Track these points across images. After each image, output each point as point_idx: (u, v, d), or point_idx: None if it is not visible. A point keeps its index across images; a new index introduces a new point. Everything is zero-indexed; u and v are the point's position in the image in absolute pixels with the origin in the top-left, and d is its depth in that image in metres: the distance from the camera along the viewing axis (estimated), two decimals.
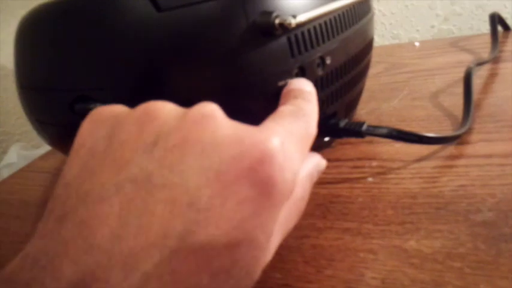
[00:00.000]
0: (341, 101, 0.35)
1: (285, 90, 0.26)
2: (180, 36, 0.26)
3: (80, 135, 0.20)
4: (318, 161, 0.24)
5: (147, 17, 0.26)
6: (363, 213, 0.29)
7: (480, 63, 0.45)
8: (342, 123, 0.33)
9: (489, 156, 0.31)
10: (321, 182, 0.33)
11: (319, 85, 0.31)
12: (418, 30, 0.79)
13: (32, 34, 0.30)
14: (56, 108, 0.29)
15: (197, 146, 0.17)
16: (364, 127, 0.32)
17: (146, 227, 0.16)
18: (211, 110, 0.19)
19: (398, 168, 0.33)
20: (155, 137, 0.18)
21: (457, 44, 0.59)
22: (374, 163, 0.34)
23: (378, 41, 0.81)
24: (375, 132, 0.32)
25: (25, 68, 0.31)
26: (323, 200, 0.31)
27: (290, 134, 0.20)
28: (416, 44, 0.63)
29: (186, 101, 0.27)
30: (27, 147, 0.67)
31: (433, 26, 0.78)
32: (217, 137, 0.18)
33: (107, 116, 0.20)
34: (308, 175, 0.23)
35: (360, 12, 0.34)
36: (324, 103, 0.32)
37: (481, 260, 0.23)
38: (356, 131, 0.32)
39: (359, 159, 0.36)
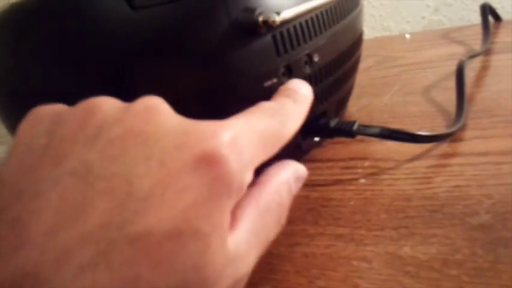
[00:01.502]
0: (331, 99, 0.34)
1: (280, 87, 0.25)
2: (156, 36, 0.24)
3: (18, 134, 0.19)
4: (295, 168, 0.23)
5: (120, 16, 0.24)
6: (356, 217, 0.28)
7: (472, 56, 0.44)
8: (333, 123, 0.32)
9: (484, 154, 0.30)
10: (312, 184, 0.32)
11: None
12: (408, 22, 0.78)
13: (1, 38, 0.28)
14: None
15: (140, 137, 0.17)
16: (355, 126, 0.31)
17: (83, 218, 0.15)
18: (155, 103, 0.19)
19: (391, 169, 0.32)
20: (96, 130, 0.18)
21: (448, 35, 0.58)
22: (366, 163, 0.33)
23: (368, 33, 0.80)
24: (366, 131, 0.31)
25: None
26: (314, 204, 0.30)
27: (251, 129, 0.19)
28: (407, 36, 0.62)
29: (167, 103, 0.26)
30: None
31: (423, 17, 0.77)
32: (161, 129, 0.17)
33: (46, 113, 0.20)
34: (284, 182, 0.22)
35: (347, 7, 0.32)
36: (313, 102, 0.31)
37: (479, 266, 0.22)
38: (347, 131, 0.31)
39: (351, 159, 0.34)
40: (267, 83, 0.27)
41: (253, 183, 0.21)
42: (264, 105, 0.22)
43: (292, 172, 0.23)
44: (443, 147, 0.32)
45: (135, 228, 0.15)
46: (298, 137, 0.32)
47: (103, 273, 0.15)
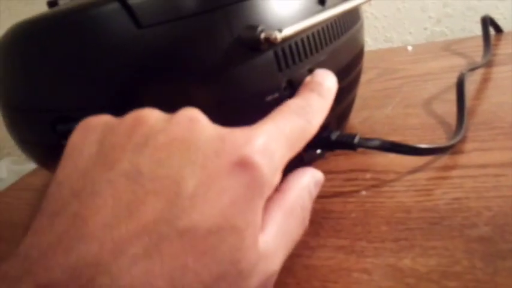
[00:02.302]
0: (332, 113, 0.34)
1: (306, 79, 0.27)
2: (162, 54, 0.25)
3: (72, 141, 0.21)
4: (313, 174, 0.25)
5: (127, 34, 0.25)
6: (357, 229, 0.28)
7: (473, 69, 0.45)
8: (334, 136, 0.32)
9: (484, 166, 0.31)
10: None
11: None
12: (411, 33, 0.79)
13: (10, 53, 0.29)
14: (38, 129, 0.28)
15: (184, 144, 0.19)
16: (356, 139, 0.31)
17: (137, 215, 0.17)
18: (195, 114, 0.21)
19: (392, 181, 0.32)
20: (145, 138, 0.20)
21: (449, 47, 0.59)
22: (367, 175, 0.34)
23: (371, 44, 0.81)
24: (367, 144, 0.31)
25: (5, 87, 0.30)
26: (316, 216, 0.30)
27: (280, 132, 0.21)
28: (409, 48, 0.63)
29: None
30: (18, 161, 0.66)
31: (425, 28, 0.77)
32: (201, 137, 0.20)
33: (97, 123, 0.22)
34: (305, 187, 0.24)
35: (348, 22, 0.33)
36: None
37: (478, 279, 0.22)
38: (348, 144, 0.31)
39: (352, 171, 0.35)
40: (269, 98, 0.27)
41: (276, 190, 0.23)
42: (291, 104, 0.24)
43: (311, 177, 0.25)
44: (444, 159, 0.33)
45: (183, 223, 0.17)
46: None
47: (155, 262, 0.17)
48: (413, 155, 0.32)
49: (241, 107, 0.27)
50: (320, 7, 0.29)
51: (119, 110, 0.26)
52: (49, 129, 0.28)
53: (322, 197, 0.32)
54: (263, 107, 0.27)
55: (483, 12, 0.60)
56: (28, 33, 0.28)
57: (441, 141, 0.35)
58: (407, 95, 0.46)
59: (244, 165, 0.19)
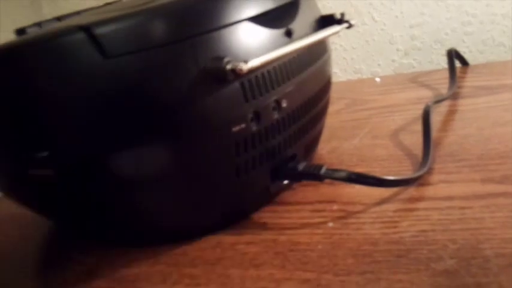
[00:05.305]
0: (300, 143, 0.34)
1: None
2: (128, 84, 0.25)
3: None
4: None
5: (93, 64, 0.24)
6: (323, 261, 0.28)
7: (438, 101, 0.45)
8: (301, 167, 0.32)
9: (450, 198, 0.31)
10: (281, 227, 0.32)
11: (276, 129, 0.30)
12: (379, 65, 0.80)
13: None
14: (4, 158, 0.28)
15: None
16: (323, 170, 0.31)
17: None
18: None
19: (358, 212, 0.32)
20: None
21: (416, 79, 0.60)
22: (335, 206, 0.33)
23: (340, 76, 0.82)
24: (333, 175, 0.31)
25: None
26: (282, 248, 0.30)
27: None
28: (377, 79, 0.64)
29: (136, 148, 0.26)
30: None
31: (393, 60, 0.79)
32: None
33: None
34: None
35: (315, 54, 0.33)
36: (282, 146, 0.32)
37: None
38: (315, 175, 0.31)
39: (319, 202, 0.35)
40: (235, 128, 0.27)
41: None
42: None
43: None
44: (410, 191, 0.33)
45: None
46: (267, 180, 0.32)
47: None
48: (380, 186, 0.32)
49: (208, 137, 0.27)
50: (287, 39, 0.30)
51: (88, 137, 0.26)
52: (13, 160, 0.27)
53: (289, 228, 0.32)
54: (229, 137, 0.27)
55: (450, 45, 0.62)
56: None
57: (408, 172, 0.36)
58: (375, 126, 0.46)
59: None
